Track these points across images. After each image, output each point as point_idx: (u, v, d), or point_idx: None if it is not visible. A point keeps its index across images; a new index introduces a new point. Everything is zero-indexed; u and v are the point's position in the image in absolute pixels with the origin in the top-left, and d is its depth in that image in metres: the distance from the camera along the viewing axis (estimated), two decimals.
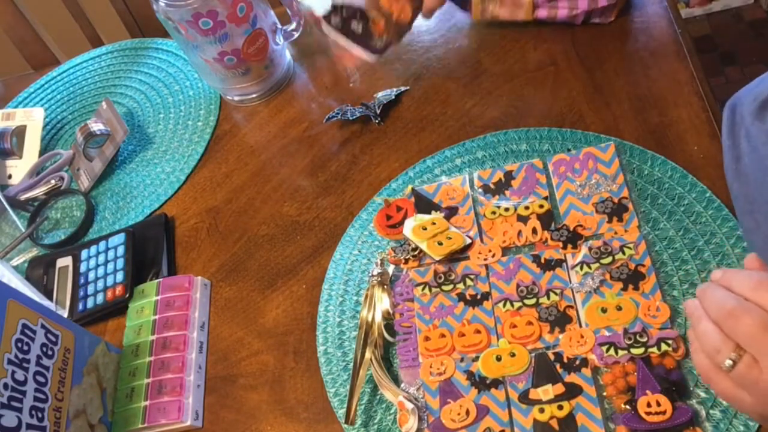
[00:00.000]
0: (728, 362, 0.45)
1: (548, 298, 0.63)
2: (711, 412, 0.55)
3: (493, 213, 0.70)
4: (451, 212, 0.72)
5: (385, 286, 0.69)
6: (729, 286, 0.47)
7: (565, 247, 0.66)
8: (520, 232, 0.68)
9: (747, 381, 0.45)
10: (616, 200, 0.67)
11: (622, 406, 0.56)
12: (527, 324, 0.62)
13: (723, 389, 0.47)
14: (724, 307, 0.45)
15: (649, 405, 0.55)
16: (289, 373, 0.69)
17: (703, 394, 0.56)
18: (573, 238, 0.66)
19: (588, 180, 0.69)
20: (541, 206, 0.69)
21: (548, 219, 0.69)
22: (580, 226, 0.66)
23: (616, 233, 0.65)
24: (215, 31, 0.83)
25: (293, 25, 0.92)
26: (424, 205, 0.73)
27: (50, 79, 1.11)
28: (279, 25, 0.92)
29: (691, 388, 0.56)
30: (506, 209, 0.70)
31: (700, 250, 0.63)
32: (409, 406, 0.61)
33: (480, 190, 0.73)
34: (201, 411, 0.70)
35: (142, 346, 0.72)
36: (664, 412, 0.54)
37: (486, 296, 0.66)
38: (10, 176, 0.96)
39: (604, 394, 0.58)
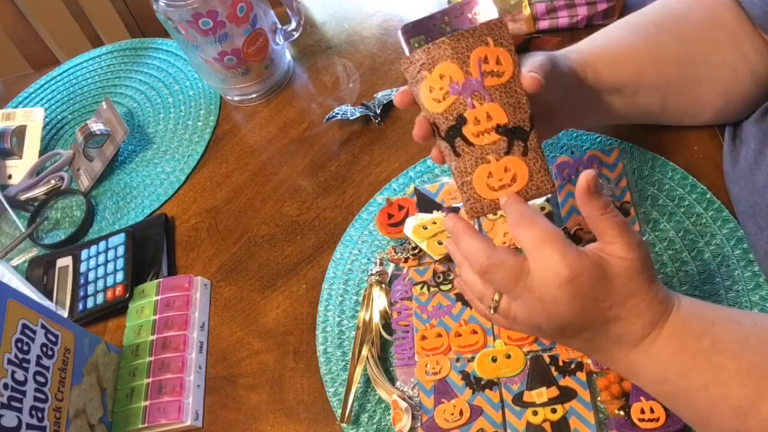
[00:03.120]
0: (491, 309, 0.53)
1: None
2: None
3: (494, 214, 0.70)
4: (452, 212, 0.72)
5: (383, 285, 0.69)
6: (509, 213, 0.53)
7: None
8: None
9: (508, 318, 0.52)
10: (618, 204, 0.67)
11: (616, 411, 0.56)
12: None
13: (498, 324, 0.55)
14: (480, 264, 0.51)
15: (642, 411, 0.55)
16: (289, 373, 0.69)
17: None
18: (573, 241, 0.66)
19: None
20: (543, 208, 0.69)
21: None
22: (581, 229, 0.66)
23: None
24: (215, 31, 0.83)
25: (293, 25, 0.92)
26: (426, 204, 0.73)
27: (50, 79, 1.11)
28: (279, 25, 0.92)
29: None
30: None
31: (700, 252, 0.63)
32: (403, 404, 0.61)
33: None
34: (201, 411, 0.70)
35: (142, 346, 0.72)
36: (657, 419, 0.54)
37: None
38: (10, 176, 0.96)
39: (599, 398, 0.58)
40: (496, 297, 0.52)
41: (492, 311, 0.53)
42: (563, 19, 0.82)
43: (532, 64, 0.54)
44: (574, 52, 0.61)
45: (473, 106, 0.53)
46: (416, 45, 0.55)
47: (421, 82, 0.54)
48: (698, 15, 0.63)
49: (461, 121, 0.53)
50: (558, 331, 0.51)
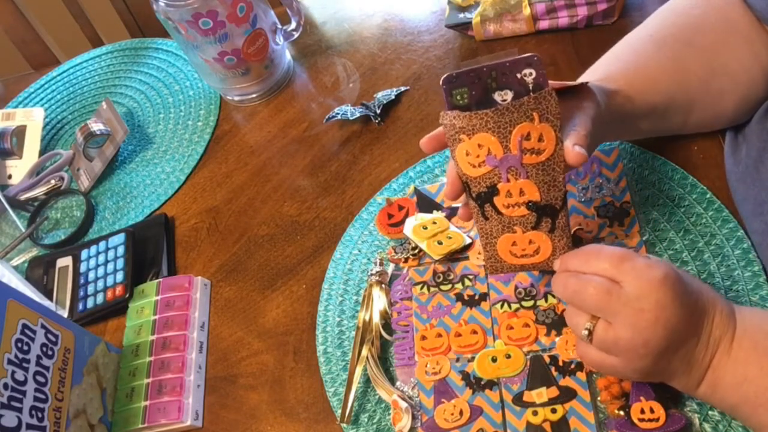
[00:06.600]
0: (584, 332, 0.50)
1: (546, 301, 0.63)
2: (708, 415, 0.55)
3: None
4: (452, 212, 0.72)
5: (383, 285, 0.69)
6: (567, 269, 0.53)
7: None
8: None
9: (608, 343, 0.49)
10: (618, 204, 0.67)
11: (616, 411, 0.56)
12: (524, 326, 0.62)
13: (592, 360, 0.51)
14: (568, 288, 0.51)
15: (642, 411, 0.55)
16: (289, 373, 0.69)
17: (696, 404, 0.56)
18: (574, 241, 0.66)
19: (591, 183, 0.69)
20: None
21: None
22: (581, 229, 0.66)
23: (616, 237, 0.65)
24: (215, 31, 0.83)
25: (293, 25, 0.92)
26: (426, 204, 0.73)
27: (50, 79, 1.11)
28: (279, 25, 0.92)
29: (686, 397, 0.56)
30: None
31: (700, 251, 0.63)
32: (403, 404, 0.61)
33: None
34: (201, 411, 0.70)
35: (142, 346, 0.72)
36: (657, 419, 0.54)
37: (484, 297, 0.66)
38: (10, 176, 0.96)
39: (599, 398, 0.58)
40: (590, 324, 0.49)
41: (586, 336, 0.50)
42: (563, 19, 0.82)
43: (577, 136, 0.52)
44: (607, 81, 0.60)
45: (507, 180, 0.53)
46: (458, 98, 0.53)
47: (458, 143, 0.53)
48: (713, 21, 0.62)
49: (493, 191, 0.53)
50: (665, 344, 0.48)
